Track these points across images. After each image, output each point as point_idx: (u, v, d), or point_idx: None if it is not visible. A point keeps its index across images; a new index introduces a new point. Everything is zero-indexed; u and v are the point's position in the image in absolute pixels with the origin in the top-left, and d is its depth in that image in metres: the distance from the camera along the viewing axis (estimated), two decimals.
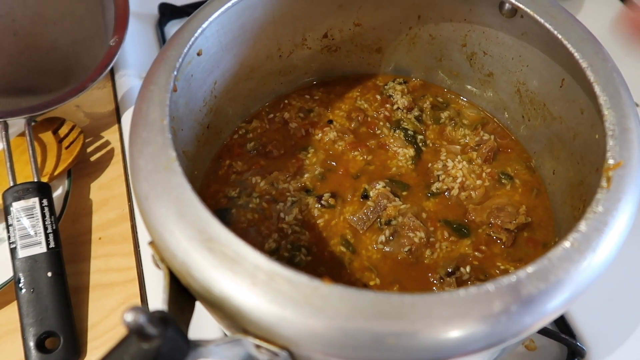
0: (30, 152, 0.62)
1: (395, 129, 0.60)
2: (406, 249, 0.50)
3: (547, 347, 0.54)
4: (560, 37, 0.45)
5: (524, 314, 0.31)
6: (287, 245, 0.51)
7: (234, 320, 0.32)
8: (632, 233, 0.36)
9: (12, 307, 0.57)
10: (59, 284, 0.56)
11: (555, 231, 0.52)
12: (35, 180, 0.61)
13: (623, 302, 0.56)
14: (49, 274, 0.55)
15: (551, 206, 0.54)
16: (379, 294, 0.30)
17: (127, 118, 0.72)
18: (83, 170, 0.69)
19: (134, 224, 0.64)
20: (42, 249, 0.56)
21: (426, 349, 0.30)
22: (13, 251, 0.56)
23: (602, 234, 0.34)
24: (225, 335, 0.52)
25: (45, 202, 0.59)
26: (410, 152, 0.58)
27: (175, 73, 0.42)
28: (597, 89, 0.41)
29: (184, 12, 0.87)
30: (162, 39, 0.83)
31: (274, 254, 0.50)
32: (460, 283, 0.48)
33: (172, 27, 0.86)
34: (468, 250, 0.51)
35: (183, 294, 0.35)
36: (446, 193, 0.55)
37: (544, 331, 0.51)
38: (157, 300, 0.48)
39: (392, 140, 0.59)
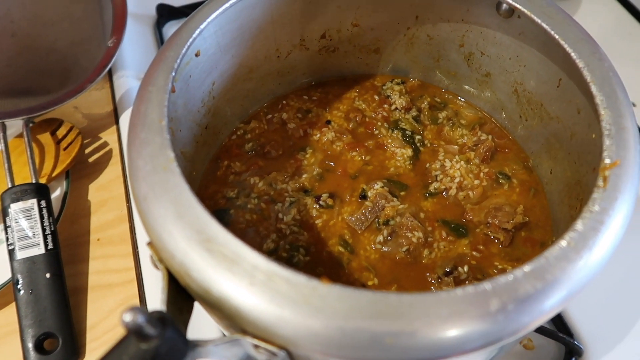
0: (29, 153, 0.62)
1: (393, 129, 0.60)
2: (404, 249, 0.50)
3: (544, 346, 0.54)
4: (557, 37, 0.45)
5: (521, 313, 0.31)
6: (286, 245, 0.51)
7: (232, 320, 0.32)
8: (629, 232, 0.36)
9: (11, 309, 0.57)
10: (58, 285, 0.56)
11: (553, 230, 0.52)
12: (34, 181, 0.61)
13: (620, 300, 0.56)
14: (48, 275, 0.55)
15: (548, 206, 0.54)
16: (377, 294, 0.31)
17: (125, 119, 0.72)
18: (81, 172, 0.69)
19: (133, 225, 0.64)
20: (40, 250, 0.56)
21: (424, 348, 0.30)
22: (11, 252, 0.56)
23: (599, 232, 0.34)
24: (224, 335, 0.52)
25: (43, 203, 0.59)
26: (408, 152, 0.58)
27: (173, 74, 0.42)
28: (593, 88, 0.42)
29: (182, 13, 0.87)
30: (160, 40, 0.83)
31: (273, 254, 0.50)
32: (458, 282, 0.48)
33: (170, 28, 0.86)
34: (466, 250, 0.51)
35: (181, 295, 0.35)
36: (444, 193, 0.55)
37: (541, 330, 0.51)
38: (156, 300, 0.48)
39: (390, 141, 0.59)
